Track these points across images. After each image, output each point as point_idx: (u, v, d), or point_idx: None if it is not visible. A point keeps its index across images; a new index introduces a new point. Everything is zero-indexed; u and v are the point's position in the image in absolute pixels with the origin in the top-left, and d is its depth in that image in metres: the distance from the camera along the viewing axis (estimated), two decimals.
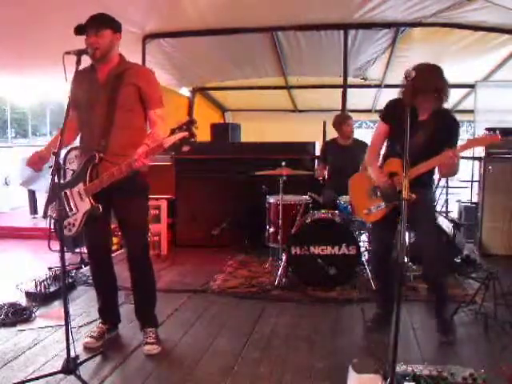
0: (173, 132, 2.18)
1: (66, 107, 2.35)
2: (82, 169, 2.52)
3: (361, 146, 4.58)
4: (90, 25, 2.43)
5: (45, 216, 2.71)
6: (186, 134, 2.14)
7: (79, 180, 2.52)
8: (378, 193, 2.78)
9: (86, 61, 2.47)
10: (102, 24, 2.45)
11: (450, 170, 2.65)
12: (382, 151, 2.92)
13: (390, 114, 2.77)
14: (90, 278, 3.81)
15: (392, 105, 2.80)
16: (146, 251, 2.74)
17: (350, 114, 4.84)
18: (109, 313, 2.85)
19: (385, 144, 2.90)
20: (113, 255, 3.02)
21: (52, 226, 4.74)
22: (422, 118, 2.66)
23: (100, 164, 2.48)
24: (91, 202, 2.48)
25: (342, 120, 4.60)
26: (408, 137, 2.07)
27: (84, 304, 3.40)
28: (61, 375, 2.22)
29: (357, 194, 3.02)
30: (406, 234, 2.73)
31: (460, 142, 2.64)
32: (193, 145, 2.18)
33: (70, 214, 2.56)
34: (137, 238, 2.68)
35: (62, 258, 2.22)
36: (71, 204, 2.56)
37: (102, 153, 2.47)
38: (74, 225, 2.57)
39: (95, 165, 2.48)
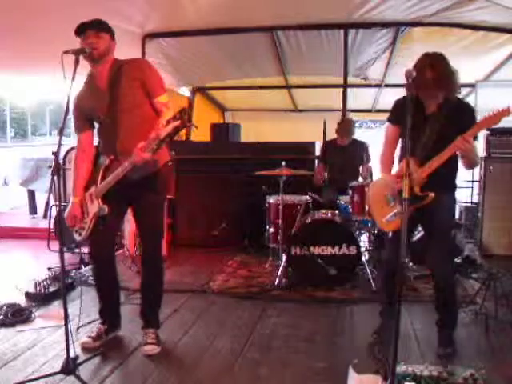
0: (168, 123, 2.19)
1: (77, 132, 2.53)
2: (94, 172, 2.56)
3: (360, 146, 4.60)
4: (90, 26, 2.45)
5: (45, 216, 2.72)
6: (178, 123, 2.16)
7: (92, 183, 2.56)
8: (395, 199, 2.60)
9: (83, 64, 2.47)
10: (102, 27, 2.48)
11: (469, 160, 2.48)
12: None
13: (399, 114, 2.63)
14: (90, 278, 3.83)
15: (399, 104, 2.67)
16: (159, 250, 2.76)
17: (351, 113, 4.85)
18: (109, 314, 2.83)
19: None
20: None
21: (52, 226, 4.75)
22: (430, 111, 2.54)
23: (114, 165, 2.48)
24: (99, 204, 2.50)
25: (337, 130, 4.65)
26: (409, 134, 2.05)
27: (84, 304, 3.38)
28: (60, 375, 2.21)
29: (376, 203, 2.77)
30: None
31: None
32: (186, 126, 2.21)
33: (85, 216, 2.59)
34: (152, 236, 2.70)
35: (62, 258, 2.21)
36: (84, 208, 2.59)
37: (115, 155, 2.50)
38: (83, 228, 2.58)
39: (107, 167, 2.51)
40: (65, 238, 2.73)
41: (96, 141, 2.72)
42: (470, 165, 2.56)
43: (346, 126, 4.63)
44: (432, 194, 2.44)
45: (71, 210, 2.60)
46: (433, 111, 2.54)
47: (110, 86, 2.51)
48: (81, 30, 2.44)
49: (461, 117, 2.50)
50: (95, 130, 2.68)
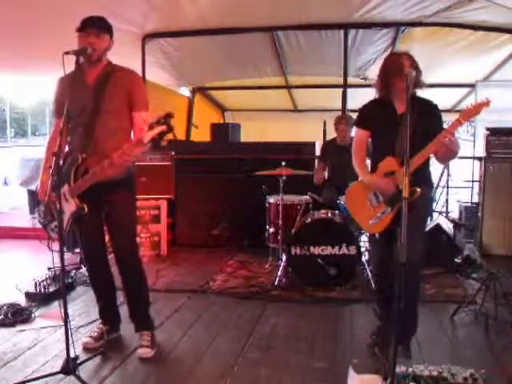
0: (151, 127, 2.16)
1: (64, 117, 2.36)
2: (66, 170, 2.50)
3: None
4: (92, 25, 2.44)
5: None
6: (163, 127, 2.13)
7: (63, 181, 2.49)
8: (380, 197, 2.61)
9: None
10: (104, 27, 2.48)
11: (450, 153, 2.51)
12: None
13: (367, 117, 2.73)
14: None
15: (366, 108, 2.76)
16: (135, 251, 2.71)
17: (351, 113, 4.84)
18: (109, 313, 2.84)
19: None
20: (110, 256, 3.01)
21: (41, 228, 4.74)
22: (401, 111, 2.57)
23: (84, 165, 2.47)
24: (76, 203, 2.47)
25: (337, 121, 4.62)
26: (408, 133, 2.06)
27: (84, 304, 3.40)
28: (60, 375, 2.21)
29: (357, 207, 2.75)
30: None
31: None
32: (170, 139, 2.19)
33: (55, 215, 2.54)
34: (125, 237, 2.65)
35: (62, 258, 2.21)
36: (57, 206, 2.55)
37: (85, 153, 2.47)
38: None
39: (79, 166, 2.48)
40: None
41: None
42: (448, 158, 2.60)
43: (343, 119, 4.63)
44: (419, 189, 2.43)
45: (43, 188, 2.60)
46: (403, 111, 2.51)
47: (98, 86, 2.50)
48: (82, 26, 2.43)
49: (429, 114, 2.56)
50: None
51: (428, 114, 2.57)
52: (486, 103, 2.40)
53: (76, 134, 2.57)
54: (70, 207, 2.50)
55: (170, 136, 2.19)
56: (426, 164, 2.58)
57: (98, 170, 2.38)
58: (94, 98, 2.49)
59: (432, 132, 2.47)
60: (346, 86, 5.20)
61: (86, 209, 2.47)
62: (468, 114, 2.42)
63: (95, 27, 2.44)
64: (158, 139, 2.15)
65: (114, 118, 2.52)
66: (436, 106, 2.65)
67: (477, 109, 2.41)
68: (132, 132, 2.61)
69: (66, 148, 2.63)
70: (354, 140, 2.85)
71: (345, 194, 2.93)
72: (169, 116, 2.14)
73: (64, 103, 2.35)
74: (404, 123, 2.45)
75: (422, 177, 2.52)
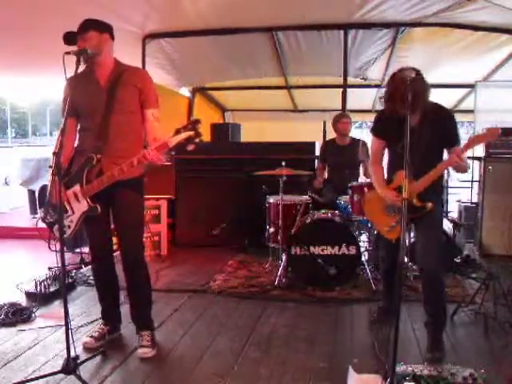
0: (177, 132, 2.19)
1: (64, 117, 2.33)
2: (78, 170, 2.52)
3: (358, 144, 4.59)
4: (77, 32, 2.45)
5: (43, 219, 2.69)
6: (191, 133, 2.18)
7: (75, 182, 2.51)
8: (395, 209, 2.70)
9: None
10: (85, 28, 2.46)
11: (460, 170, 2.62)
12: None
13: (379, 128, 2.78)
14: (90, 278, 3.84)
15: (378, 118, 2.80)
16: (140, 252, 2.72)
17: (350, 113, 4.85)
18: (111, 313, 2.84)
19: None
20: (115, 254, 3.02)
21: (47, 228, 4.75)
22: (414, 123, 2.53)
23: (98, 166, 2.48)
24: (89, 203, 2.48)
25: (338, 118, 4.63)
26: (408, 137, 2.07)
27: (84, 304, 3.41)
28: (61, 375, 2.22)
29: (375, 214, 2.91)
30: (406, 234, 2.73)
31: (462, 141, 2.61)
32: (197, 144, 2.23)
33: (64, 215, 2.54)
34: (131, 237, 2.66)
35: (62, 258, 2.22)
36: (66, 206, 2.55)
37: (100, 154, 2.48)
38: (69, 227, 2.56)
39: (92, 166, 2.49)
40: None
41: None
42: (461, 172, 2.69)
43: (343, 115, 4.64)
44: (430, 204, 2.53)
45: (55, 188, 2.53)
46: (416, 123, 2.56)
47: (110, 86, 2.51)
48: (72, 42, 2.45)
49: (443, 125, 2.57)
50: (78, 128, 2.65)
51: (440, 125, 2.55)
52: (496, 131, 2.39)
53: (87, 134, 2.57)
54: (81, 207, 2.52)
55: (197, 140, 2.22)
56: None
57: (116, 172, 2.39)
58: (106, 98, 2.49)
59: (448, 144, 2.55)
60: (346, 86, 5.21)
61: (99, 209, 2.48)
62: (479, 140, 2.47)
63: (79, 32, 2.44)
64: (185, 144, 2.20)
65: (127, 118, 2.53)
66: (448, 114, 2.64)
67: (486, 136, 2.44)
68: (145, 130, 2.61)
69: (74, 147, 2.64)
70: (371, 149, 2.91)
71: (362, 201, 3.07)
72: (196, 122, 2.19)
73: (74, 103, 2.37)
74: (416, 136, 2.44)
75: (432, 189, 2.57)
